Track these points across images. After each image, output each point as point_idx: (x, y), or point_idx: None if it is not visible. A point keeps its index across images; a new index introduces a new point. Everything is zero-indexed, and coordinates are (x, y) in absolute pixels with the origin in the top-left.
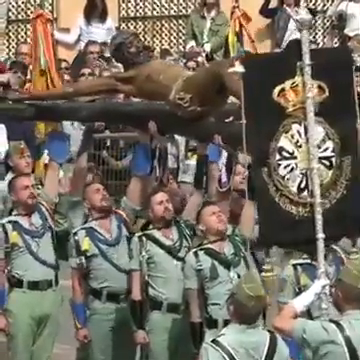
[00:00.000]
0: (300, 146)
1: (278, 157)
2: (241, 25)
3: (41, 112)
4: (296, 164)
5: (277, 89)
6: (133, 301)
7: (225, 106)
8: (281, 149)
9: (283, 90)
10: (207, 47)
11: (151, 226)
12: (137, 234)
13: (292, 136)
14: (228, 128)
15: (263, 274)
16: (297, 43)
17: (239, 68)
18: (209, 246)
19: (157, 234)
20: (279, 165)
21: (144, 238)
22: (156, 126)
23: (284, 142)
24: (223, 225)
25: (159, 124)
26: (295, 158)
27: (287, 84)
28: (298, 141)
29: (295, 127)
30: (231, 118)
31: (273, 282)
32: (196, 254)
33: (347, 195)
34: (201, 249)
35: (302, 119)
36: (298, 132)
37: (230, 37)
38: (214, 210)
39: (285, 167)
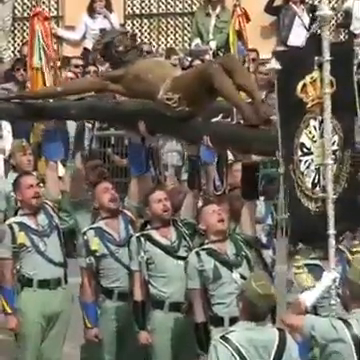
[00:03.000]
0: (315, 141)
1: (300, 153)
2: (242, 24)
3: (30, 111)
4: (312, 159)
5: (300, 84)
6: (135, 302)
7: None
8: (302, 145)
9: (305, 85)
10: (212, 44)
11: (149, 226)
12: (135, 235)
13: (310, 132)
14: (216, 128)
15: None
16: (314, 38)
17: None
18: (211, 246)
19: (155, 234)
20: (300, 161)
21: (142, 238)
22: (145, 126)
23: (304, 138)
24: (223, 224)
25: (148, 124)
26: (312, 154)
27: (307, 79)
28: (314, 136)
29: (312, 122)
30: (219, 117)
31: (305, 279)
32: (198, 254)
33: (347, 188)
34: (203, 249)
35: (317, 114)
36: (314, 127)
37: (230, 36)
38: (214, 209)
39: (305, 163)
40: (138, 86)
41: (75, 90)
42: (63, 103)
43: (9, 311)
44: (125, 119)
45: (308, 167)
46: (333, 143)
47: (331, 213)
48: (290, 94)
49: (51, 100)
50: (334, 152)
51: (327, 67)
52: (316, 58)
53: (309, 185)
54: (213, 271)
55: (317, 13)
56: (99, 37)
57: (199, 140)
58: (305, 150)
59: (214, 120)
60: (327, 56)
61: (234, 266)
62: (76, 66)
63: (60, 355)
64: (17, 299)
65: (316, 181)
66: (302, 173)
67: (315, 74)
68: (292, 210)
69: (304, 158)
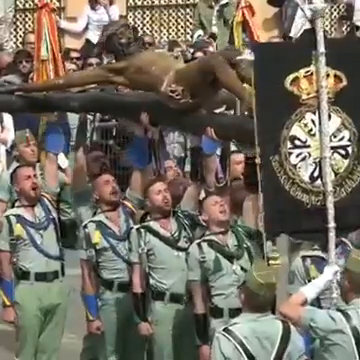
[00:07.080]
0: (314, 135)
1: (290, 145)
2: (245, 16)
3: (31, 104)
4: (309, 153)
5: (290, 77)
6: (134, 294)
7: (218, 96)
8: (293, 137)
9: (296, 79)
10: (214, 29)
11: (149, 217)
12: (135, 226)
13: (305, 125)
14: (220, 120)
15: (270, 262)
16: (312, 32)
17: (249, 56)
18: (212, 238)
19: (155, 225)
20: (290, 153)
21: (142, 230)
22: (148, 117)
23: (297, 131)
24: (226, 215)
25: (151, 115)
26: (308, 147)
27: (301, 73)
28: (312, 130)
29: (309, 116)
30: (223, 108)
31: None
32: (200, 246)
33: None
34: (204, 241)
35: (317, 108)
36: (312, 121)
37: (235, 27)
38: (217, 200)
39: (297, 155)
40: (141, 78)
41: (78, 82)
42: (65, 95)
43: (7, 303)
44: (128, 111)
45: (303, 160)
46: (342, 138)
47: (330, 206)
48: (274, 86)
49: (52, 92)
50: (344, 147)
51: (322, 60)
52: (314, 52)
53: (306, 178)
54: (214, 262)
55: (309, 6)
56: (102, 30)
57: (203, 132)
58: (298, 143)
59: (218, 111)
60: (321, 49)
61: (235, 258)
62: (72, 58)
63: (58, 345)
64: (14, 292)
65: (316, 174)
66: (294, 165)
67: (313, 68)
68: (271, 201)
69: (296, 151)
